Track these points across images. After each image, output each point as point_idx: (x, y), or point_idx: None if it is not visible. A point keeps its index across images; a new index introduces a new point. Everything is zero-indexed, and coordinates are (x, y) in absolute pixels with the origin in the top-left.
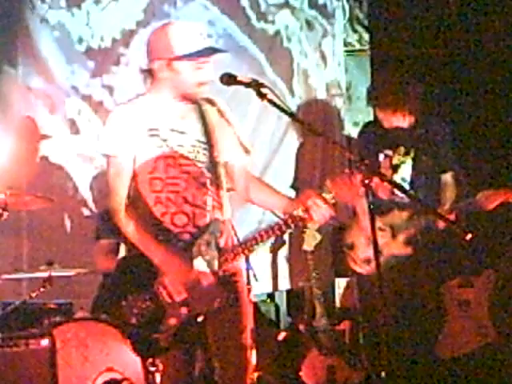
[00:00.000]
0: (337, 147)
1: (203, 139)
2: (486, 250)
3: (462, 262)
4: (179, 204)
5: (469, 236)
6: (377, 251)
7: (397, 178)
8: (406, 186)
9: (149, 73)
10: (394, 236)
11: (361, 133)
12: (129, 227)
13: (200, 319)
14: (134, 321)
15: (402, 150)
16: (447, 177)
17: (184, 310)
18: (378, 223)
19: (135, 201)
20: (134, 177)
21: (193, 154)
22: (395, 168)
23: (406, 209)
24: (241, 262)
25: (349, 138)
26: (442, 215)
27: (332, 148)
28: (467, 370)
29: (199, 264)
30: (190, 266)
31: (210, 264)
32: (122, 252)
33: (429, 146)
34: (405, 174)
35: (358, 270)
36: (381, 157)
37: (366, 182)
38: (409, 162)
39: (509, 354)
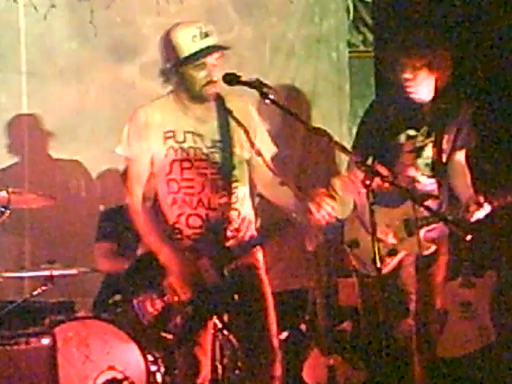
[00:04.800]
0: (336, 147)
1: (220, 139)
2: (487, 250)
3: (463, 263)
4: (194, 206)
5: (469, 237)
6: (376, 252)
7: (421, 162)
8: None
9: (164, 74)
10: (410, 232)
11: (362, 121)
12: (142, 226)
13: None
14: (145, 321)
15: (425, 129)
16: (459, 157)
17: (189, 309)
18: (385, 218)
19: (152, 201)
20: (152, 178)
21: (209, 155)
22: (419, 151)
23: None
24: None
25: None
26: (449, 219)
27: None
28: (468, 370)
29: (205, 263)
30: (194, 266)
31: (216, 263)
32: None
33: (450, 122)
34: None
35: (363, 270)
36: (402, 138)
37: (367, 183)
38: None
39: (509, 355)
